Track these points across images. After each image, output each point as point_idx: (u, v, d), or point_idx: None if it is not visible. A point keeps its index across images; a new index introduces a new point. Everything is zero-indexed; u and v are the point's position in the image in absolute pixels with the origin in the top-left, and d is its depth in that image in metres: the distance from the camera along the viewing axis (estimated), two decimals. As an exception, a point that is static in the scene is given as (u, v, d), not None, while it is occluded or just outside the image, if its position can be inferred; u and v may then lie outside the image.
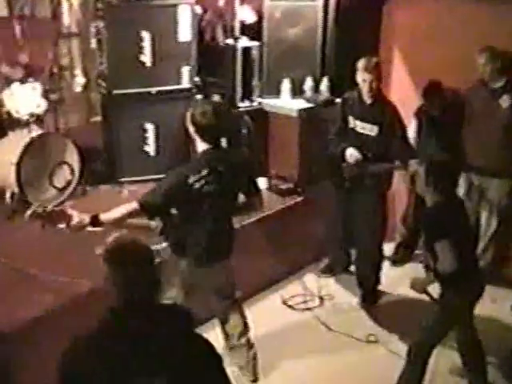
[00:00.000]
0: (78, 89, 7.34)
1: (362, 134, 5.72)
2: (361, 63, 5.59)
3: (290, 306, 6.11)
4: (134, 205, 4.36)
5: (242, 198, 4.75)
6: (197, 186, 4.35)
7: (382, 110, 5.66)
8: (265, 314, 5.84)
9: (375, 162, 5.68)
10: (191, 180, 4.34)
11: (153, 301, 2.63)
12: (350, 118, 5.79)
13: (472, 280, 4.48)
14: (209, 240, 4.54)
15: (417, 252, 6.73)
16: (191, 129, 4.50)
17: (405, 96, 6.81)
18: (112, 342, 2.54)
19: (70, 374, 2.56)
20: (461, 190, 6.20)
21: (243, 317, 5.00)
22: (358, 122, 5.74)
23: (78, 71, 7.53)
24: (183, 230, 4.53)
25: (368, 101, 5.68)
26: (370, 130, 5.68)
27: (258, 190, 4.80)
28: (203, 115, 4.43)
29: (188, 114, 4.54)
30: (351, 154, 5.68)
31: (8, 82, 6.18)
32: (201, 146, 4.51)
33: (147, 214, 4.41)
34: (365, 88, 5.60)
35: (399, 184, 6.61)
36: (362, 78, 5.58)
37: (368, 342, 5.57)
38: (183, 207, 4.46)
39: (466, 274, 4.31)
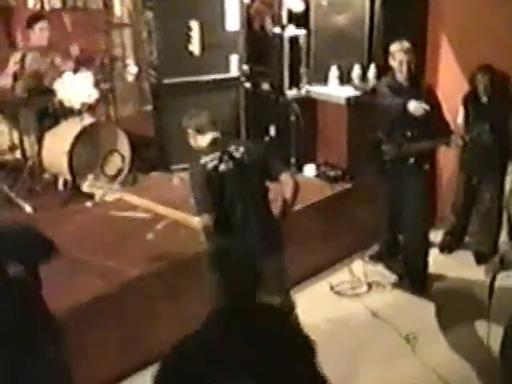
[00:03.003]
0: (130, 78, 7.25)
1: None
2: (396, 46, 5.56)
3: (337, 293, 5.93)
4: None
5: None
6: (210, 165, 4.26)
7: (418, 91, 5.58)
8: (313, 301, 5.66)
9: (418, 140, 5.55)
10: (204, 161, 4.28)
11: (254, 301, 2.49)
12: None
13: None
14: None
15: (466, 239, 6.48)
16: (191, 134, 4.52)
17: (453, 82, 6.58)
18: (215, 343, 2.41)
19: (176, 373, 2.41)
20: (509, 177, 5.96)
21: None
22: None
23: (129, 61, 7.46)
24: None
25: (405, 83, 5.60)
26: None
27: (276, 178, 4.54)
28: (197, 115, 4.57)
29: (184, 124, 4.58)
30: (415, 105, 5.40)
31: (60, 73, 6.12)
32: (204, 140, 4.46)
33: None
34: (402, 69, 5.53)
35: (450, 172, 6.40)
36: (398, 59, 5.52)
37: (406, 340, 5.25)
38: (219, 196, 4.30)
39: None
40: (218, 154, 4.32)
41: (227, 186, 4.30)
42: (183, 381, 2.37)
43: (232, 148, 4.38)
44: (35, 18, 6.40)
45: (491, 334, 5.06)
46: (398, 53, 5.51)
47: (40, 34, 6.25)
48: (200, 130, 4.45)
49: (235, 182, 4.32)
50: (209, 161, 4.28)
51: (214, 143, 4.41)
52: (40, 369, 3.29)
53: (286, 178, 4.48)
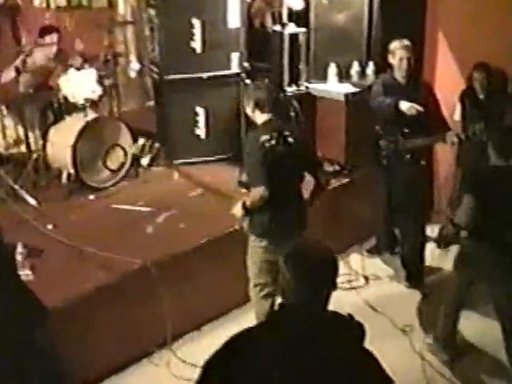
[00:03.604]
0: (133, 74, 7.32)
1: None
2: (395, 44, 5.57)
3: (335, 286, 5.93)
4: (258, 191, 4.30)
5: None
6: (268, 145, 4.31)
7: (416, 88, 5.60)
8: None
9: (414, 137, 5.55)
10: (262, 139, 4.32)
11: (325, 306, 2.41)
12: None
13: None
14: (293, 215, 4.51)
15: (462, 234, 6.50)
16: (250, 106, 4.47)
17: (450, 79, 6.63)
18: (276, 341, 2.31)
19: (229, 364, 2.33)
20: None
21: None
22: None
23: (132, 57, 7.50)
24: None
25: (402, 81, 5.61)
26: None
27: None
28: (258, 88, 4.57)
29: (245, 96, 4.60)
30: (407, 105, 5.43)
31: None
32: (261, 118, 4.46)
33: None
34: (401, 66, 5.54)
35: (447, 168, 6.43)
36: (398, 56, 5.53)
37: (402, 332, 5.29)
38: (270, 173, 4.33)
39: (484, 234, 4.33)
40: (275, 134, 4.37)
41: (279, 165, 4.35)
42: (244, 373, 2.27)
43: (286, 133, 4.44)
44: (47, 29, 6.48)
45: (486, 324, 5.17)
46: (399, 50, 5.52)
47: (49, 44, 6.32)
48: (259, 105, 4.45)
49: (286, 163, 4.39)
50: (267, 140, 4.34)
51: (268, 123, 4.45)
52: (28, 351, 3.35)
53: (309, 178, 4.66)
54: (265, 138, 4.33)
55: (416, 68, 5.79)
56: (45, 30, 6.46)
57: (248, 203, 4.34)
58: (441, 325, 4.90)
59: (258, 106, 4.44)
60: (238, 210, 4.44)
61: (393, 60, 5.59)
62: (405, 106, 5.41)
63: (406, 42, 5.54)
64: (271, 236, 4.46)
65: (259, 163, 4.29)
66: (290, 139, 4.43)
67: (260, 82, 4.64)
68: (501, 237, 4.35)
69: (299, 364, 2.22)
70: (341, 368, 2.25)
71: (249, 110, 4.51)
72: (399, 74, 5.59)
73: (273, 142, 4.34)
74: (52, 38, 6.37)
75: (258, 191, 4.27)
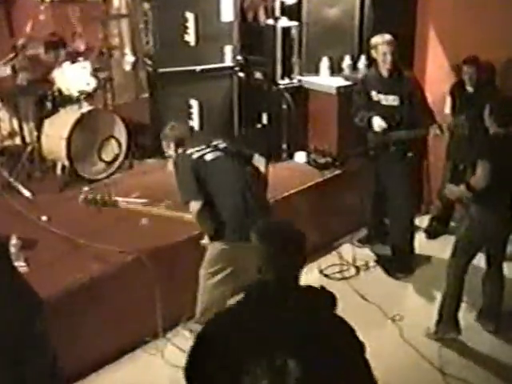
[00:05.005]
0: (128, 67, 7.27)
1: (386, 105, 5.64)
2: (377, 38, 5.59)
3: (326, 276, 5.92)
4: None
5: None
6: (195, 156, 4.44)
7: (400, 81, 5.61)
8: (302, 283, 5.62)
9: (399, 130, 5.60)
10: (189, 152, 4.48)
11: (298, 280, 2.48)
12: (373, 93, 5.71)
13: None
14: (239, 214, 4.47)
15: (452, 224, 6.50)
16: (171, 147, 4.66)
17: (440, 73, 6.59)
18: (253, 316, 2.37)
19: (209, 345, 2.39)
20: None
21: None
22: (381, 96, 5.66)
23: (127, 50, 7.44)
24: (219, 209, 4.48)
25: (386, 74, 5.62)
26: (392, 100, 5.61)
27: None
28: (174, 129, 4.73)
29: (163, 140, 4.76)
30: (378, 122, 5.58)
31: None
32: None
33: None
34: (384, 61, 5.55)
35: (437, 159, 6.40)
36: (381, 51, 5.54)
37: (392, 320, 5.26)
38: (206, 183, 4.43)
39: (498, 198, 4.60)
40: (202, 146, 4.54)
41: (215, 172, 4.42)
42: (220, 358, 2.31)
43: (215, 142, 4.62)
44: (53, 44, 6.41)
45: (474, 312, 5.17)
46: (380, 45, 5.52)
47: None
48: (179, 144, 4.62)
49: (224, 168, 4.48)
50: (194, 152, 4.47)
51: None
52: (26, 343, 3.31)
53: (258, 157, 4.73)
54: (191, 151, 4.48)
55: (401, 62, 5.73)
56: (51, 45, 6.37)
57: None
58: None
59: (178, 145, 4.61)
60: (205, 240, 4.62)
61: (375, 54, 5.61)
62: (375, 121, 5.57)
63: (388, 36, 5.53)
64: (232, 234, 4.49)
65: (188, 177, 4.37)
66: (221, 145, 4.59)
67: (174, 123, 4.81)
68: (506, 199, 4.65)
69: (275, 330, 2.30)
70: (313, 331, 2.33)
71: (171, 152, 4.66)
72: (382, 68, 5.59)
73: (201, 152, 4.46)
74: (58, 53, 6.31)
75: (191, 207, 4.35)
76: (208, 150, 4.54)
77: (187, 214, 4.48)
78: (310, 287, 2.48)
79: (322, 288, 2.48)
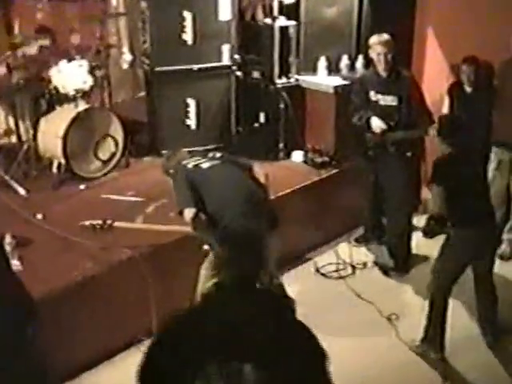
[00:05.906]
0: (125, 66, 7.21)
1: (384, 105, 5.63)
2: (374, 39, 5.59)
3: (323, 274, 5.88)
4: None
5: None
6: (191, 165, 4.45)
7: (398, 81, 5.60)
8: (298, 281, 5.64)
9: (397, 130, 5.59)
10: (185, 162, 4.51)
11: (255, 283, 2.43)
12: (372, 93, 5.68)
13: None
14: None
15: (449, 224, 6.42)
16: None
17: (438, 73, 6.55)
18: (211, 318, 2.35)
19: (166, 345, 2.36)
20: (491, 165, 5.92)
21: None
22: (379, 96, 5.65)
23: (125, 49, 7.39)
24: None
25: (384, 74, 5.60)
26: (391, 101, 5.60)
27: None
28: (169, 158, 4.77)
29: (163, 168, 4.76)
30: (376, 123, 5.57)
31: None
32: None
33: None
34: (380, 61, 5.54)
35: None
36: (377, 51, 5.54)
37: (388, 320, 5.21)
38: (202, 191, 4.39)
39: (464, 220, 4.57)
40: (198, 157, 4.60)
41: (211, 180, 4.40)
42: (174, 359, 2.30)
43: (211, 153, 4.69)
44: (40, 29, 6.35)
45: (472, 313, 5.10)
46: (377, 45, 5.51)
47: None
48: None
49: (221, 175, 4.47)
50: (190, 161, 4.50)
51: None
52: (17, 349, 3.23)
53: (256, 168, 4.80)
54: (186, 161, 4.50)
55: (399, 62, 5.72)
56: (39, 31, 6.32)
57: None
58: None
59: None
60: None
61: (373, 54, 5.59)
62: (373, 122, 5.55)
63: (385, 37, 5.51)
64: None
65: (184, 185, 4.35)
66: (216, 155, 4.62)
67: (169, 152, 4.92)
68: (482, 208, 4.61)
69: (232, 333, 2.28)
70: (271, 336, 2.29)
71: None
72: (380, 68, 5.57)
73: (196, 162, 4.48)
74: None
75: (186, 215, 4.27)
76: (204, 159, 4.55)
77: (185, 226, 4.42)
78: (268, 291, 2.43)
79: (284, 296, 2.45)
